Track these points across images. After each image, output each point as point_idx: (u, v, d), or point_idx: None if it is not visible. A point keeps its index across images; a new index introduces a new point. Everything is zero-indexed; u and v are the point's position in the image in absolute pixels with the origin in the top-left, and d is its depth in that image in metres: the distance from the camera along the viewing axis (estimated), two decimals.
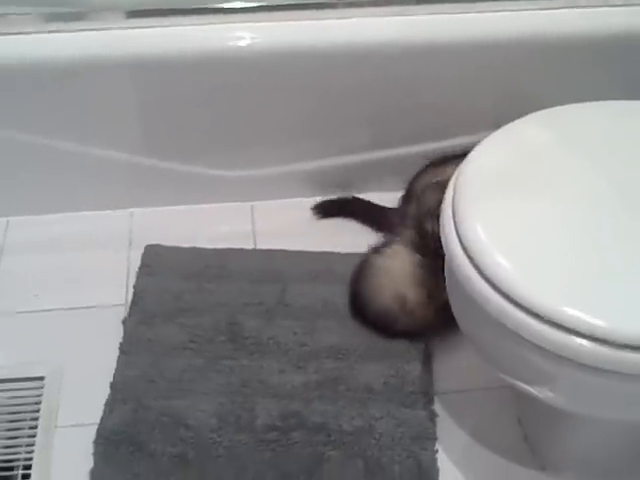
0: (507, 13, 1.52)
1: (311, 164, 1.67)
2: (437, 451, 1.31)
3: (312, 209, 1.66)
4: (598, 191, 1.09)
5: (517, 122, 1.17)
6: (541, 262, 1.01)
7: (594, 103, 1.20)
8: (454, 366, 1.42)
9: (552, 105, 1.21)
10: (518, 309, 0.98)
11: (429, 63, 1.52)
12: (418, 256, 1.42)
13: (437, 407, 1.37)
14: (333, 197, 1.67)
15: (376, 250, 1.49)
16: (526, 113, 1.20)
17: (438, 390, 1.39)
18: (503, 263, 1.00)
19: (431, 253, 1.36)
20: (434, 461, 1.30)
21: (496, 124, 1.19)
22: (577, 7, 1.53)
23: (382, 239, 1.54)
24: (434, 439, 1.33)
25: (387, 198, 1.62)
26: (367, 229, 1.64)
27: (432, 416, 1.35)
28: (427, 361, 1.42)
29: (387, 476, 1.28)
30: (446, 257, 1.10)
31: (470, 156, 1.13)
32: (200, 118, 1.59)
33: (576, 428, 1.25)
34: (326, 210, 1.66)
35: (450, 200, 1.09)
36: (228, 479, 1.27)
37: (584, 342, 0.95)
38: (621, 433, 1.25)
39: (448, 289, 1.16)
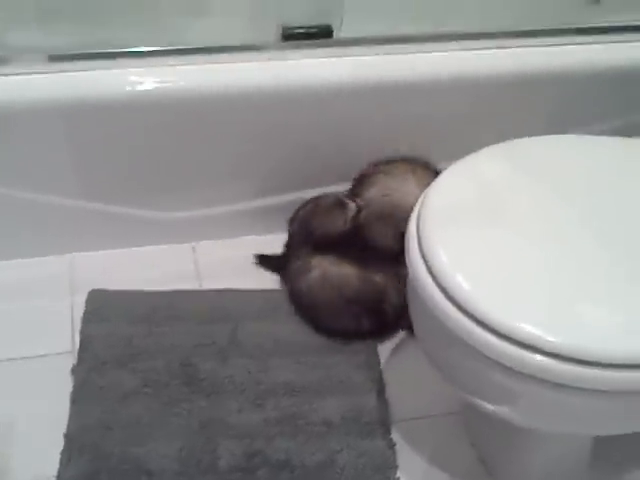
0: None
1: (249, 203, 1.68)
2: (399, 478, 1.34)
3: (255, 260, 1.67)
4: (554, 216, 1.17)
5: (473, 154, 1.24)
6: (500, 281, 1.08)
7: (545, 137, 1.28)
8: (407, 395, 1.45)
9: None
10: (479, 326, 1.04)
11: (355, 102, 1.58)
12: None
13: (394, 435, 1.40)
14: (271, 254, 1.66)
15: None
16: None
17: (394, 418, 1.42)
18: (465, 283, 1.06)
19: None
20: None
21: None
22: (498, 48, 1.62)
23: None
24: (395, 467, 1.35)
25: None
26: None
27: (391, 445, 1.38)
28: (382, 391, 1.45)
29: None
30: (410, 278, 1.15)
31: (431, 187, 1.20)
32: (134, 160, 1.58)
33: (529, 446, 1.30)
34: (265, 264, 1.67)
35: (414, 229, 1.15)
36: None
37: (541, 358, 1.01)
38: (576, 447, 1.32)
39: (411, 311, 1.22)
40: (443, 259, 1.09)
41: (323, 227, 1.57)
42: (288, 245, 1.62)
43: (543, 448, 1.30)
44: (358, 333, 1.51)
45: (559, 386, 1.03)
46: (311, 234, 1.57)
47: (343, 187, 1.62)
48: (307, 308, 1.53)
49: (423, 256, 1.11)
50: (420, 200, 1.19)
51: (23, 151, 1.51)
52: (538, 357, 1.01)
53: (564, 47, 1.61)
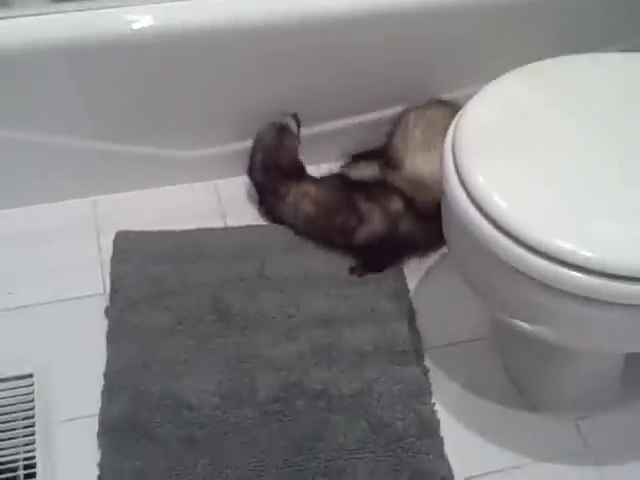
0: None
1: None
2: (434, 404, 1.36)
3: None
4: (588, 135, 1.17)
5: (501, 79, 1.24)
6: (537, 200, 1.09)
7: (566, 57, 1.27)
8: (437, 322, 1.47)
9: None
10: (513, 242, 1.05)
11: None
12: None
13: (427, 362, 1.41)
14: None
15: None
16: None
17: (426, 346, 1.44)
18: (499, 200, 1.08)
19: None
20: (434, 413, 1.34)
21: None
22: None
23: None
24: (430, 393, 1.37)
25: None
26: None
27: (425, 371, 1.40)
28: (412, 319, 1.46)
29: (391, 433, 1.31)
30: (448, 202, 1.16)
31: (465, 109, 1.20)
32: (153, 99, 1.56)
33: (563, 366, 1.32)
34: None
35: (450, 150, 1.16)
36: (239, 454, 1.27)
37: (574, 273, 1.03)
38: (607, 365, 1.34)
39: (446, 229, 1.23)
40: (478, 177, 1.10)
41: (287, 154, 1.58)
42: (261, 196, 1.62)
43: (575, 367, 1.32)
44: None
45: (592, 300, 1.05)
46: (280, 168, 1.57)
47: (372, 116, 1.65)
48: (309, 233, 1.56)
49: (458, 175, 1.13)
50: (454, 121, 1.19)
51: (36, 94, 1.49)
52: (571, 272, 1.03)
53: None
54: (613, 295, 1.04)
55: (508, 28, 1.61)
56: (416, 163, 1.51)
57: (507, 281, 1.11)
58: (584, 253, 1.03)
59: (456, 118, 1.20)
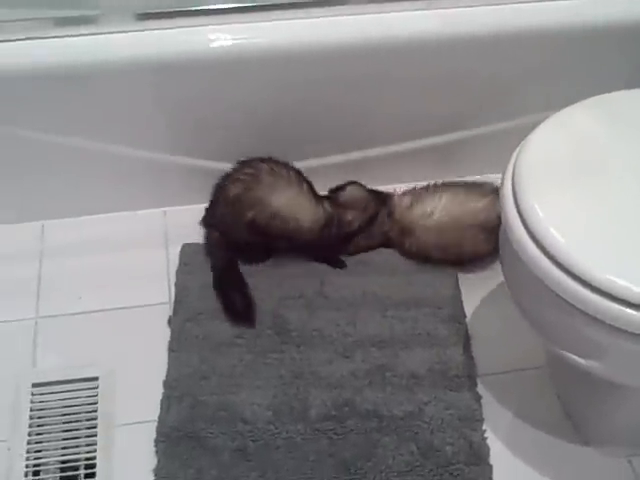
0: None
1: (329, 159, 1.69)
2: (485, 431, 1.37)
3: None
4: None
5: (568, 109, 1.24)
6: (594, 235, 1.09)
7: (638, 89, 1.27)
8: (492, 349, 1.47)
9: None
10: (572, 279, 1.05)
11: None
12: None
13: (480, 389, 1.42)
14: None
15: None
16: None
17: (479, 372, 1.44)
18: (559, 236, 1.08)
19: None
20: (484, 440, 1.35)
21: None
22: None
23: None
24: (481, 420, 1.38)
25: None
26: None
27: (477, 398, 1.40)
28: (467, 345, 1.47)
29: (440, 458, 1.33)
30: (505, 232, 1.16)
31: (526, 142, 1.20)
32: (224, 115, 1.59)
33: (617, 401, 1.30)
34: None
35: (510, 182, 1.16)
36: (288, 469, 1.30)
37: (633, 312, 1.02)
38: None
39: (503, 265, 1.24)
40: (538, 213, 1.10)
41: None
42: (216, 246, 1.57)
43: (629, 403, 1.30)
44: None
45: None
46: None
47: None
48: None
49: (519, 211, 1.12)
50: (514, 155, 1.19)
51: (116, 108, 1.55)
52: (631, 311, 1.02)
53: None
54: None
55: (575, 58, 1.60)
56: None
57: (561, 315, 1.11)
58: (638, 290, 1.02)
59: (518, 148, 1.20)
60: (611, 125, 1.23)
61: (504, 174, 1.19)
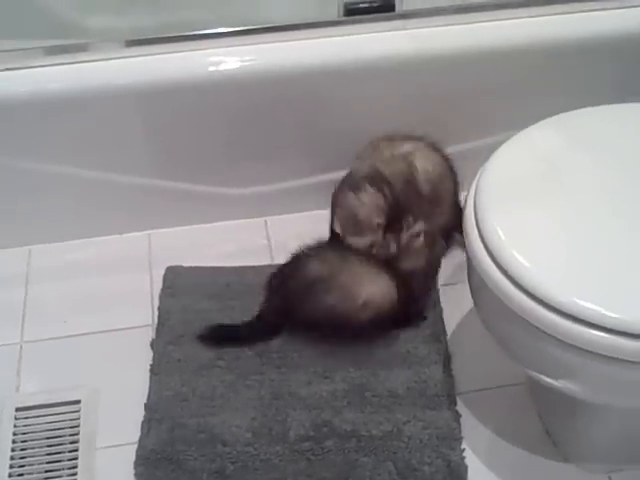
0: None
1: (321, 177, 1.70)
2: (464, 450, 1.37)
3: None
4: (612, 191, 1.16)
5: (530, 128, 1.24)
6: (558, 258, 1.09)
7: (603, 107, 1.27)
8: (473, 366, 1.48)
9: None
10: (537, 304, 1.05)
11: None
12: None
13: (460, 407, 1.42)
14: None
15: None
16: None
17: (459, 390, 1.45)
18: (522, 260, 1.08)
19: None
20: (462, 459, 1.35)
21: None
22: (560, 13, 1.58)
23: None
24: (460, 438, 1.38)
25: None
26: None
27: (456, 416, 1.41)
28: (447, 363, 1.48)
29: (418, 477, 1.33)
30: (469, 257, 1.17)
31: (488, 163, 1.21)
32: (207, 139, 1.63)
33: (596, 418, 1.31)
34: None
35: (471, 204, 1.17)
36: None
37: (600, 333, 1.02)
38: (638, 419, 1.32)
39: (471, 288, 1.24)
40: (500, 237, 1.10)
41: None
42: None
43: (608, 421, 1.30)
44: None
45: (618, 361, 1.04)
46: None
47: None
48: None
49: (480, 234, 1.13)
50: (477, 176, 1.20)
51: (102, 134, 1.58)
52: (597, 333, 1.03)
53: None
54: (636, 354, 1.03)
55: (532, 76, 1.60)
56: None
57: (529, 338, 1.11)
58: (606, 313, 1.02)
59: (480, 169, 1.21)
60: (574, 144, 1.23)
61: (467, 195, 1.20)
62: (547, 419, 1.42)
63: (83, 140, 1.58)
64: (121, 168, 1.63)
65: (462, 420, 1.41)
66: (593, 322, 1.03)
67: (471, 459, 1.36)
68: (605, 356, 1.05)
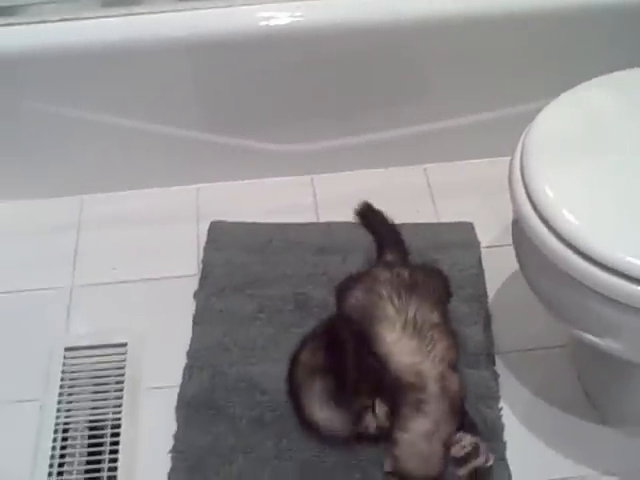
0: None
1: (370, 136, 1.71)
2: (501, 408, 1.37)
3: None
4: None
5: (580, 86, 1.22)
6: (607, 217, 1.08)
7: None
8: (513, 327, 1.47)
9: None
10: (586, 261, 1.05)
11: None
12: None
13: (498, 367, 1.43)
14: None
15: None
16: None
17: (498, 350, 1.45)
18: (571, 218, 1.07)
19: None
20: (499, 418, 1.36)
21: None
22: None
23: None
24: (497, 397, 1.39)
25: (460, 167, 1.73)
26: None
27: (495, 376, 1.41)
28: (488, 323, 1.48)
29: None
30: (516, 217, 1.17)
31: (536, 120, 1.19)
32: (256, 94, 1.64)
33: (636, 381, 1.30)
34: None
35: (518, 163, 1.16)
36: (304, 439, 1.33)
37: None
38: None
39: (516, 248, 1.24)
40: (548, 194, 1.10)
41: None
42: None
43: None
44: None
45: None
46: None
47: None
48: None
49: (527, 192, 1.12)
50: (522, 137, 1.19)
51: (154, 87, 1.61)
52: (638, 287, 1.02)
53: None
54: None
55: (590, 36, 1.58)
56: None
57: (576, 296, 1.11)
58: None
59: (527, 128, 1.20)
60: (622, 103, 1.21)
61: (513, 155, 1.18)
62: (587, 382, 1.41)
63: (135, 92, 1.61)
64: (172, 121, 1.65)
65: (501, 380, 1.41)
66: (637, 277, 1.02)
67: (508, 418, 1.36)
68: None
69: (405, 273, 1.40)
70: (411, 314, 1.32)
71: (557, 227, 1.07)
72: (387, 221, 1.58)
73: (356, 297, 1.38)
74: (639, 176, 1.12)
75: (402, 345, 1.30)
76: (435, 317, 1.33)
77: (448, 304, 1.44)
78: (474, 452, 1.26)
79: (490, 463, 1.27)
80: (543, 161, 1.14)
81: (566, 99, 1.22)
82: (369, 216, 1.60)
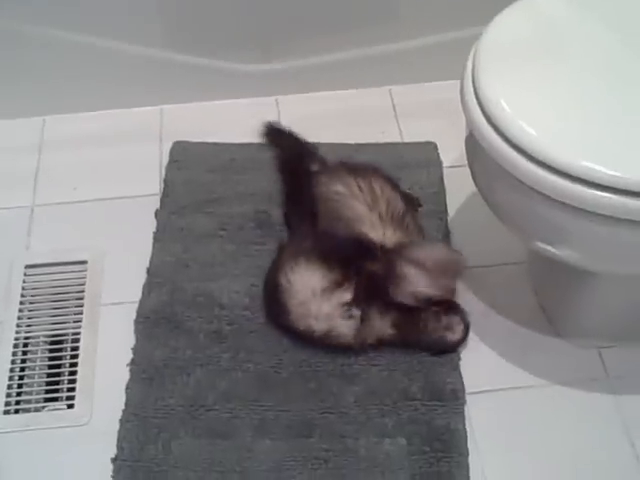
0: None
1: (335, 56, 1.70)
2: None
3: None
4: (614, 55, 1.14)
5: None
6: (559, 122, 1.08)
7: None
8: (472, 244, 1.47)
9: None
10: (539, 167, 1.05)
11: None
12: None
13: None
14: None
15: None
16: None
17: None
18: (523, 125, 1.06)
19: None
20: None
21: None
22: None
23: None
24: None
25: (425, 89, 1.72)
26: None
27: None
28: (447, 240, 1.49)
29: None
30: (469, 127, 1.16)
31: (488, 28, 1.18)
32: (223, 11, 1.62)
33: (589, 294, 1.31)
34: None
35: (470, 72, 1.15)
36: (261, 352, 1.36)
37: (601, 193, 1.02)
38: (635, 297, 1.31)
39: (470, 159, 1.24)
40: (504, 107, 1.08)
41: None
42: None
43: (602, 295, 1.31)
44: None
45: (615, 220, 1.04)
46: None
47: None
48: None
49: (480, 103, 1.11)
50: (474, 46, 1.17)
51: (116, 1, 1.59)
52: (596, 192, 1.02)
53: None
54: (636, 213, 1.03)
55: None
56: None
57: (531, 205, 1.11)
58: (607, 171, 1.02)
59: (480, 37, 1.18)
60: (576, 6, 1.20)
61: (464, 65, 1.17)
62: (543, 296, 1.43)
63: (97, 8, 1.59)
64: (136, 39, 1.64)
65: (458, 294, 1.41)
66: (594, 181, 1.02)
67: None
68: (607, 216, 1.04)
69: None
70: (383, 208, 1.36)
71: (509, 136, 1.07)
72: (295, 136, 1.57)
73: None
74: (589, 82, 1.11)
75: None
76: (400, 206, 1.38)
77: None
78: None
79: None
80: (495, 71, 1.13)
81: (519, 5, 1.20)
82: (275, 134, 1.59)
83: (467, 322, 1.35)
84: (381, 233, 1.36)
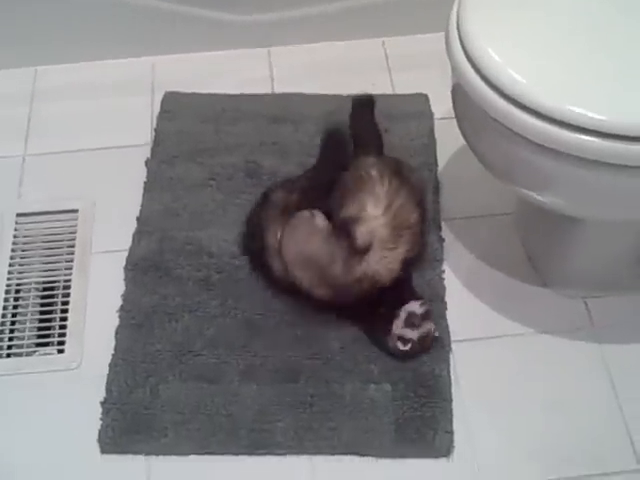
0: None
1: (328, 6, 1.68)
2: (444, 271, 1.40)
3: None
4: (602, 2, 1.14)
5: None
6: (543, 67, 1.08)
7: None
8: (461, 195, 1.49)
9: None
10: (526, 113, 1.05)
11: None
12: None
13: (445, 232, 1.45)
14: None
15: None
16: None
17: (445, 217, 1.46)
18: (513, 74, 1.07)
19: None
20: (441, 280, 1.39)
21: None
22: None
23: None
24: (441, 260, 1.41)
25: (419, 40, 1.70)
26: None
27: (440, 240, 1.43)
28: (436, 191, 1.49)
29: None
30: (455, 75, 1.16)
31: None
32: None
33: (575, 242, 1.32)
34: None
35: (455, 21, 1.15)
36: (248, 300, 1.37)
37: (586, 137, 1.03)
38: (621, 247, 1.33)
39: (456, 109, 1.24)
40: (492, 55, 1.08)
41: None
42: None
43: (589, 244, 1.32)
44: None
45: (602, 164, 1.05)
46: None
47: None
48: None
49: (465, 52, 1.11)
50: None
51: None
52: (579, 135, 1.03)
53: None
54: (623, 157, 1.04)
55: None
56: None
57: (519, 152, 1.11)
58: (592, 115, 1.02)
59: None
60: None
61: (449, 13, 1.17)
62: (530, 246, 1.43)
63: None
64: None
65: (445, 245, 1.43)
66: (577, 125, 1.02)
67: (451, 281, 1.39)
68: (588, 160, 1.05)
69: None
70: (396, 205, 1.31)
71: (496, 82, 1.07)
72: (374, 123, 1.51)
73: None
74: (574, 27, 1.11)
75: (376, 223, 1.29)
76: (413, 218, 1.32)
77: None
78: (426, 316, 1.30)
79: (437, 334, 1.31)
80: (479, 17, 1.12)
81: None
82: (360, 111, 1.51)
83: (424, 336, 1.29)
84: (380, 213, 1.30)
